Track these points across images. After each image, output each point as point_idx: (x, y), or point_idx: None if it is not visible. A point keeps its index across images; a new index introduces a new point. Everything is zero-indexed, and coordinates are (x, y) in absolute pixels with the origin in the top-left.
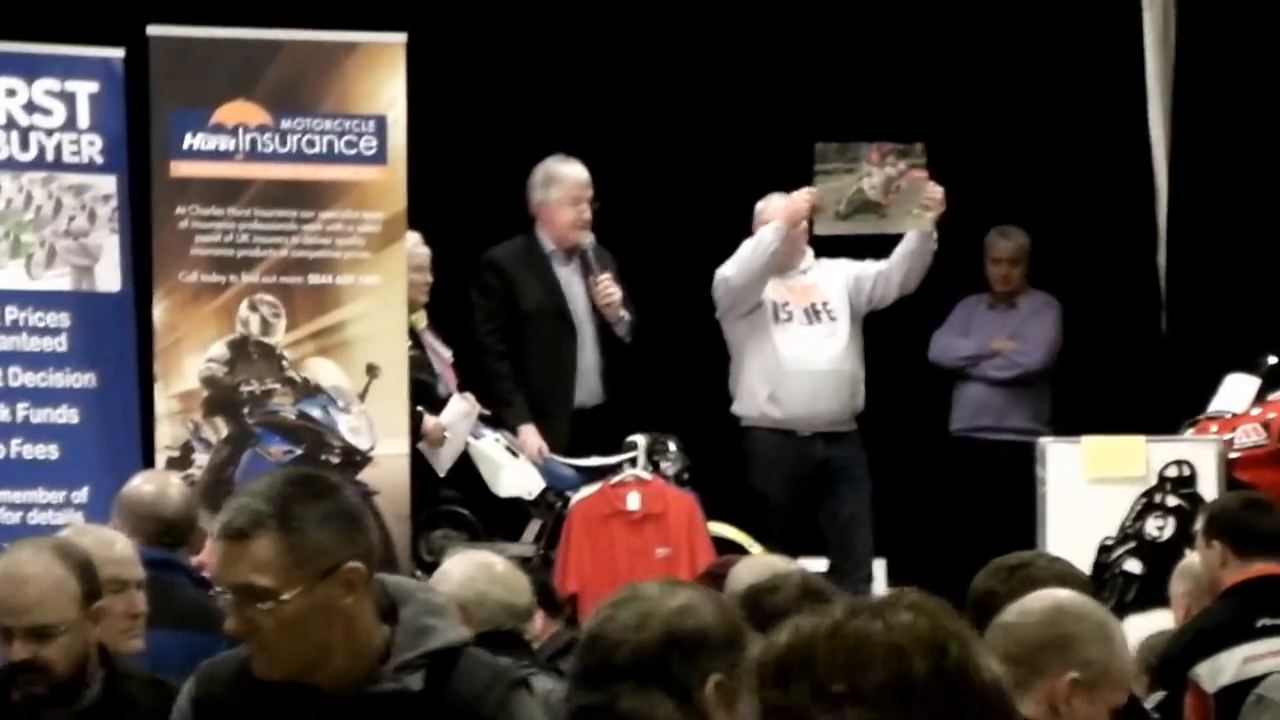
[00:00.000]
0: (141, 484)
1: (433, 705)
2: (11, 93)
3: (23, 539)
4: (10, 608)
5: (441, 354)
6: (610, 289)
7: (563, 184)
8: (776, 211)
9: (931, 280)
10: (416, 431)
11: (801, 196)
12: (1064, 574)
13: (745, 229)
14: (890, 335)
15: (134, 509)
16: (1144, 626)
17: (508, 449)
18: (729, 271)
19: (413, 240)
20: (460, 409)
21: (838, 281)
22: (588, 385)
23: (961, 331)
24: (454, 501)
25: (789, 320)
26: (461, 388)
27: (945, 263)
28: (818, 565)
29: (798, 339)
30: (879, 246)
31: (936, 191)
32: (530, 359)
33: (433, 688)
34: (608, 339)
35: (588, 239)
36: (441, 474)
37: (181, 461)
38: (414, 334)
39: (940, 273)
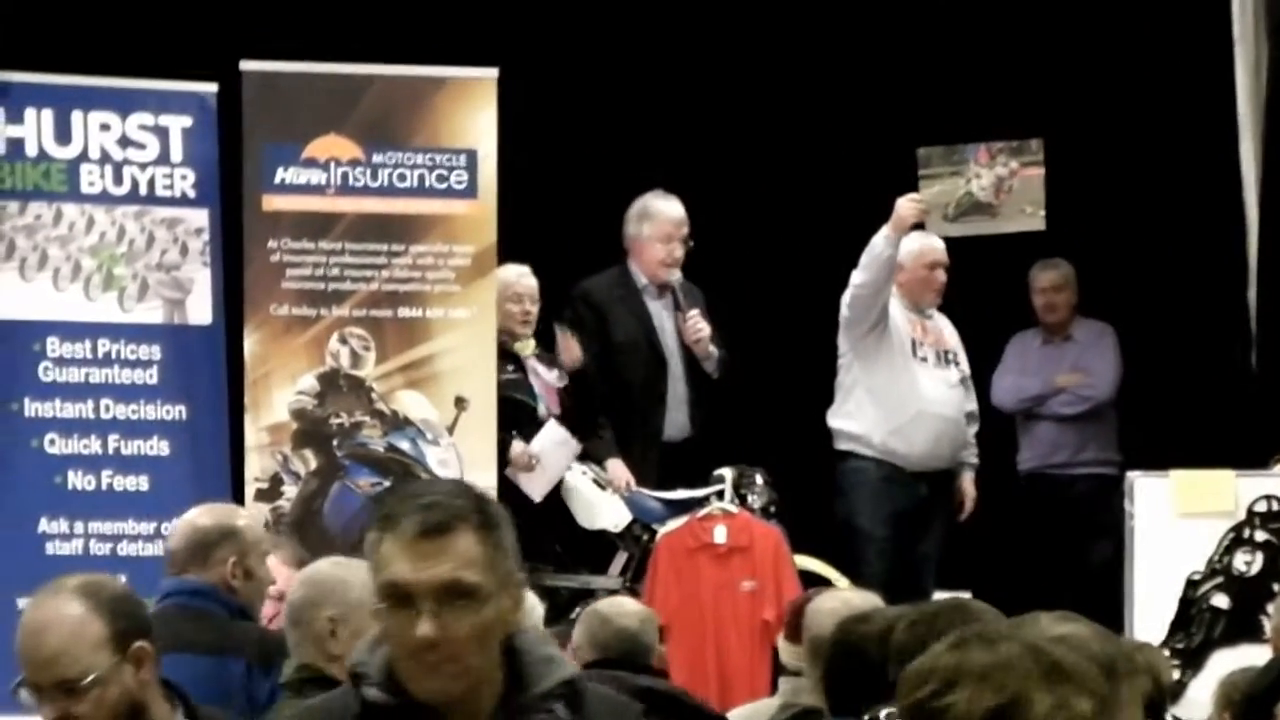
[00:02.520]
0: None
1: None
2: (105, 127)
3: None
4: (33, 662)
5: (545, 378)
6: (700, 325)
7: (655, 220)
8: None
9: (987, 317)
10: (504, 457)
11: (905, 204)
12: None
13: (842, 255)
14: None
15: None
16: (1231, 662)
17: (595, 482)
18: (855, 278)
19: (519, 272)
20: (555, 435)
21: (956, 336)
22: (676, 419)
23: (1019, 370)
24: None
25: (925, 360)
26: (566, 415)
27: (996, 298)
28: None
29: (934, 380)
30: (991, 246)
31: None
32: (621, 391)
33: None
34: (695, 374)
35: (676, 276)
36: (536, 499)
37: (270, 493)
38: (517, 358)
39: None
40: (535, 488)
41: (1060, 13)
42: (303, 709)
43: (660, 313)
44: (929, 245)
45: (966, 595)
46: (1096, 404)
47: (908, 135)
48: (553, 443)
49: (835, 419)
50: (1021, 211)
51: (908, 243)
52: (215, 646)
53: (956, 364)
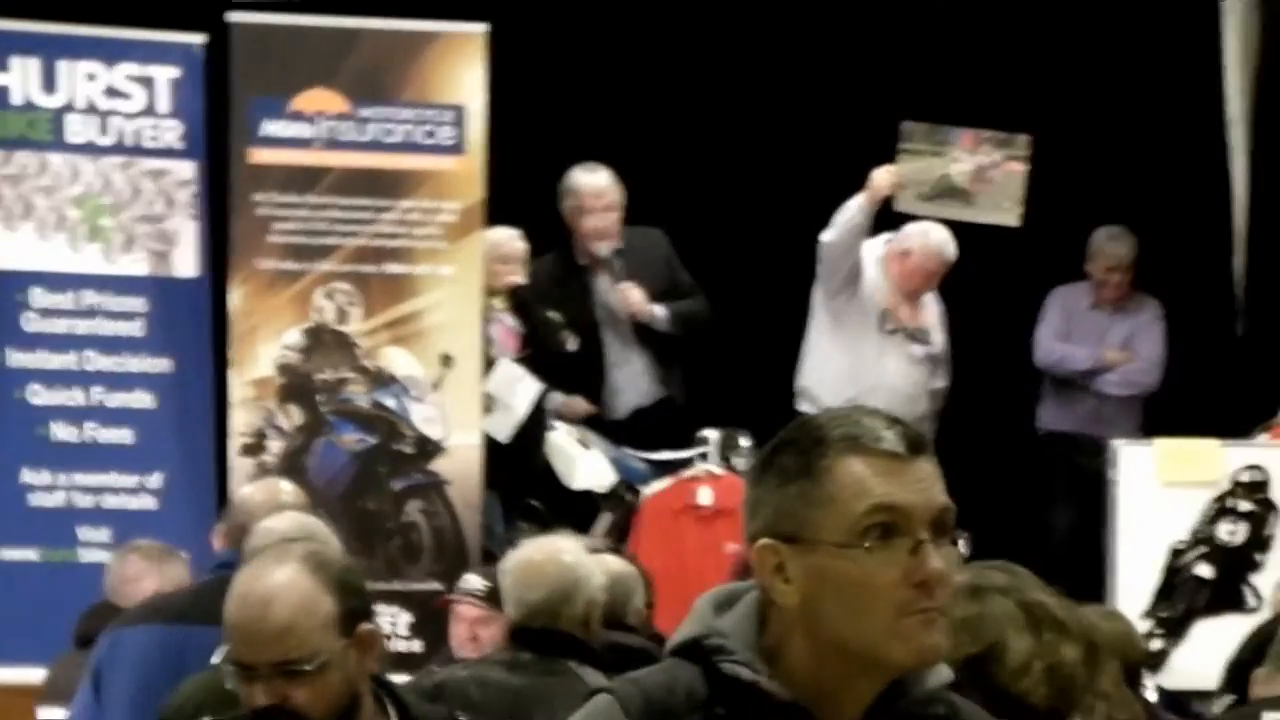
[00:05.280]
0: (250, 491)
1: None
2: (92, 77)
3: (266, 550)
4: (252, 638)
5: (506, 323)
6: (629, 297)
7: (574, 194)
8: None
9: (1022, 270)
10: None
11: (881, 175)
12: None
13: (825, 219)
14: (978, 324)
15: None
16: (1214, 631)
17: (579, 442)
18: (824, 237)
19: (510, 235)
20: (509, 373)
21: (936, 313)
22: (639, 385)
23: (1064, 333)
24: (528, 493)
25: (894, 334)
26: (536, 362)
27: (1035, 254)
28: None
29: (898, 355)
30: (962, 232)
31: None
32: (563, 371)
33: None
34: (654, 338)
35: (605, 248)
36: (503, 440)
37: (255, 448)
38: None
39: (1031, 264)
40: (499, 428)
41: (1064, 13)
42: (629, 689)
43: (605, 285)
44: (946, 248)
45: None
46: (1147, 390)
47: (897, 106)
48: (506, 380)
49: (799, 378)
50: (998, 205)
51: (930, 233)
52: None
53: (928, 343)
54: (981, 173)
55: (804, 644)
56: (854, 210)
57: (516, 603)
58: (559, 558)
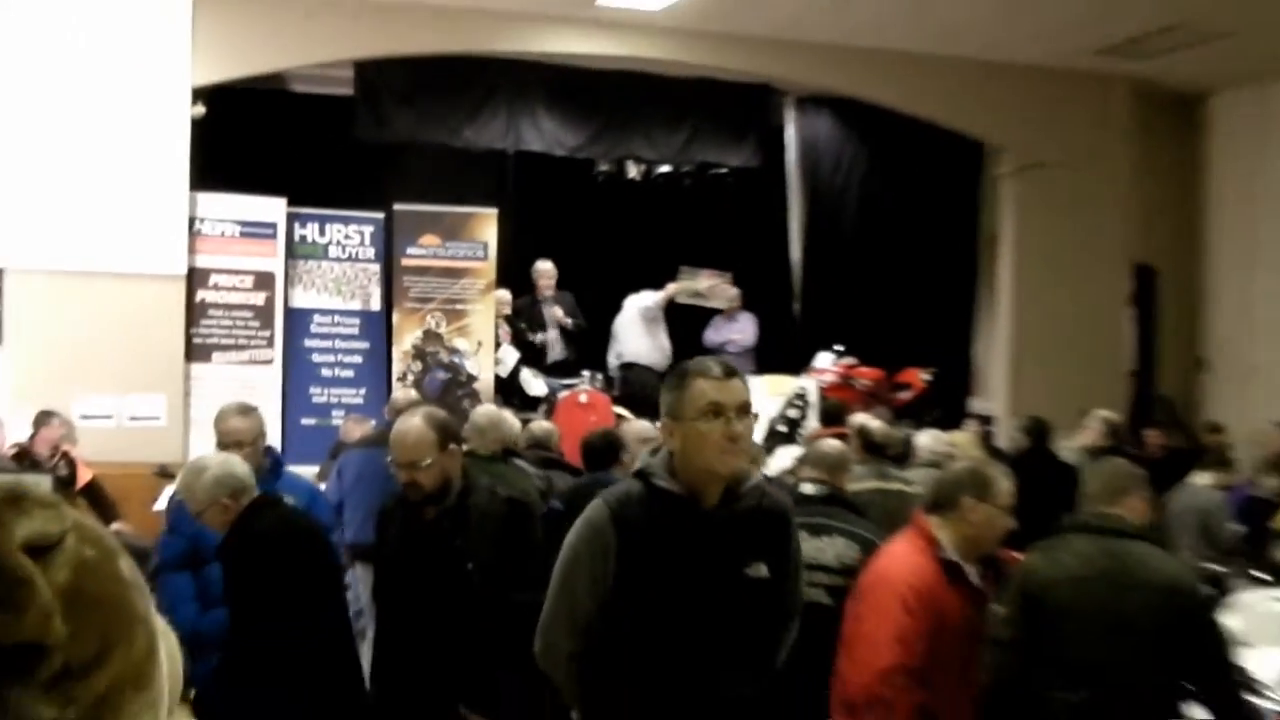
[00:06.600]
0: (396, 394)
1: (776, 518)
2: (339, 230)
3: (410, 409)
4: (399, 450)
5: (505, 329)
6: (558, 317)
7: (536, 271)
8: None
9: (701, 311)
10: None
11: (671, 287)
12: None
13: (646, 285)
14: (685, 327)
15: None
16: (785, 452)
17: (534, 376)
18: (649, 303)
19: (504, 292)
20: (506, 350)
21: None
22: (556, 353)
23: (715, 331)
24: (513, 397)
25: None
26: (517, 345)
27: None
28: None
29: (665, 340)
30: (700, 310)
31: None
32: (534, 349)
33: (767, 506)
34: (566, 333)
35: (548, 294)
36: (503, 376)
37: (401, 379)
38: (497, 326)
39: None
40: (501, 371)
41: (715, 210)
42: (610, 491)
43: (549, 311)
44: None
45: None
46: (749, 349)
47: (678, 258)
48: (504, 352)
49: (618, 350)
50: (719, 299)
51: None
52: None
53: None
54: (712, 288)
55: (684, 467)
56: (662, 297)
57: (530, 440)
58: (498, 416)
